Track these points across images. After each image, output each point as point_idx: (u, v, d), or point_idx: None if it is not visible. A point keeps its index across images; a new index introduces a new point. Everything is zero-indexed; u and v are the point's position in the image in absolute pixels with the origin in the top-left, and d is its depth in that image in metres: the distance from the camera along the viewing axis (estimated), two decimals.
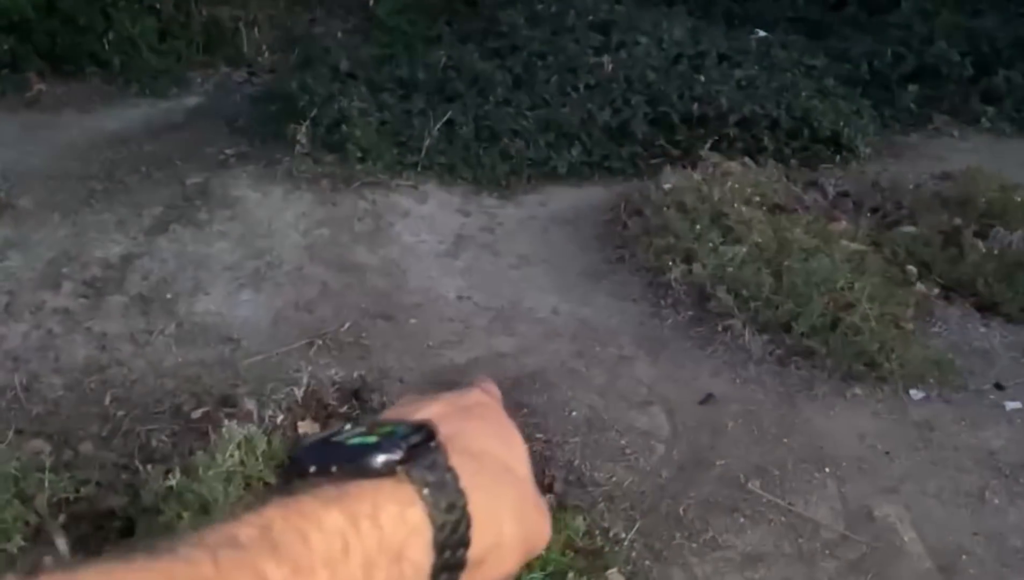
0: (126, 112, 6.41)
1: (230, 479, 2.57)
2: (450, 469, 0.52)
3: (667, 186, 4.48)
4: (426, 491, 0.50)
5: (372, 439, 0.53)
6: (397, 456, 0.51)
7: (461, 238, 4.58)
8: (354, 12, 7.77)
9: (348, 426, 0.56)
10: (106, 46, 6.81)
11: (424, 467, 0.51)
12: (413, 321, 3.78)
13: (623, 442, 3.03)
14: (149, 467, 2.61)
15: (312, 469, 0.52)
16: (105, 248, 4.33)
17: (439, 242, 4.54)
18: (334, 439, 0.55)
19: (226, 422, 2.84)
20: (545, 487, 2.79)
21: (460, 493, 0.51)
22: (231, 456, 2.62)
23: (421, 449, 0.52)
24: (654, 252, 4.09)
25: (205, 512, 2.46)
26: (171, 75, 6.94)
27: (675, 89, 5.41)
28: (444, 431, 0.54)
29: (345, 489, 0.49)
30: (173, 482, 2.50)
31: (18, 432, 2.96)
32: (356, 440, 0.53)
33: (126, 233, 4.51)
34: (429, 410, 0.59)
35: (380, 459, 0.51)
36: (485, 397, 0.68)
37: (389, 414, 0.60)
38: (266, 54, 7.43)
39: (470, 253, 4.43)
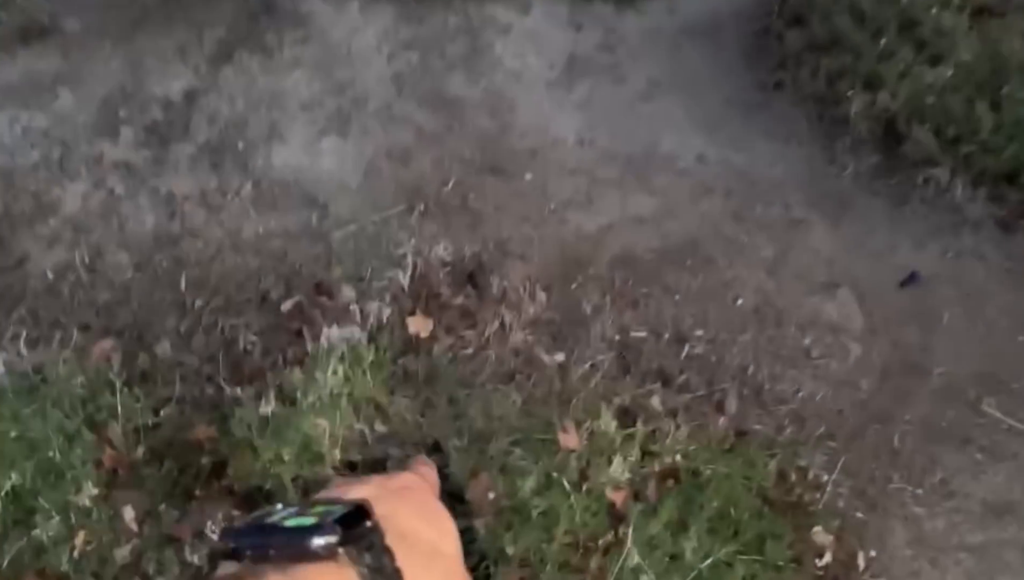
0: None
1: (334, 404, 2.11)
2: (386, 550, 0.55)
3: None
4: (365, 571, 0.52)
5: (308, 520, 0.53)
6: (335, 539, 0.52)
7: (575, 60, 3.79)
8: None
9: (280, 506, 0.56)
10: None
11: (362, 549, 0.53)
12: (528, 176, 3.13)
13: (806, 340, 2.44)
14: (238, 389, 2.15)
15: (249, 552, 0.52)
16: (165, 83, 3.72)
17: (549, 66, 3.76)
18: (269, 521, 0.54)
19: (324, 325, 2.35)
20: (714, 406, 2.25)
21: (396, 573, 0.54)
22: (334, 373, 2.15)
23: (358, 530, 0.54)
24: (824, 75, 3.26)
25: (307, 449, 2.02)
26: None
27: None
28: (378, 512, 0.57)
29: (290, 573, 0.50)
30: (268, 410, 2.05)
31: (84, 329, 2.53)
32: (292, 522, 0.53)
33: (186, 63, 3.87)
34: (361, 491, 0.60)
35: (318, 542, 0.51)
36: (416, 479, 0.67)
37: (322, 494, 0.61)
38: None
39: (587, 80, 3.66)
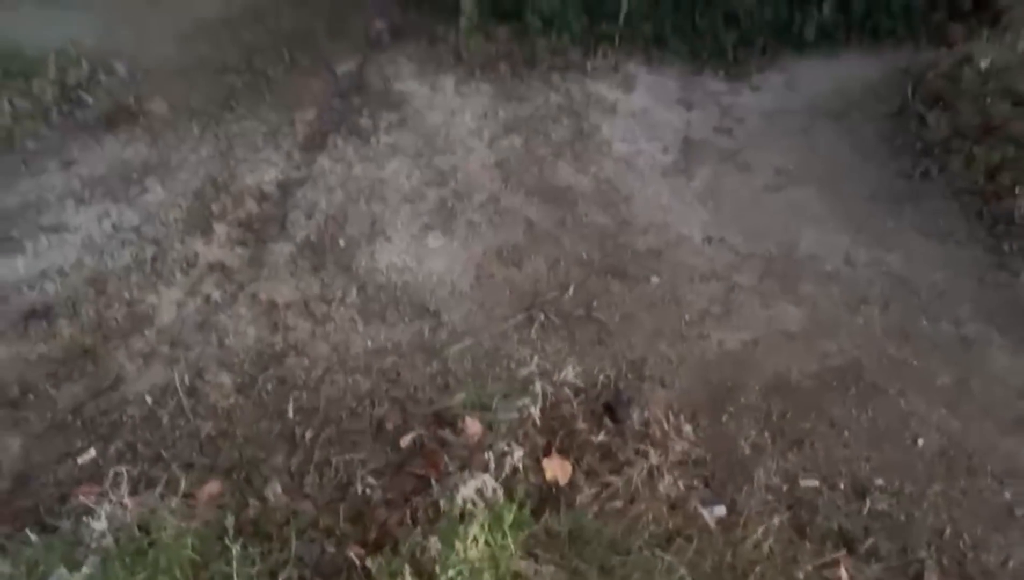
0: None
1: (477, 576, 1.84)
2: None
3: (983, 63, 3.24)
4: None
5: None
6: None
7: (690, 143, 3.53)
8: None
9: None
10: None
11: None
12: (655, 279, 2.86)
13: (1007, 493, 2.11)
14: (368, 559, 1.89)
15: None
16: (257, 172, 3.55)
17: (662, 151, 3.51)
18: None
19: (450, 465, 2.09)
20: (911, 577, 1.93)
21: None
22: (474, 541, 1.88)
23: None
24: (982, 167, 2.95)
25: None
26: None
27: None
28: None
29: None
30: None
31: (187, 467, 2.31)
32: None
33: (278, 148, 3.71)
34: None
35: None
36: None
37: None
38: None
39: (707, 167, 3.39)
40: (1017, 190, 2.79)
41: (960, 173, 3.01)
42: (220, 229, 3.24)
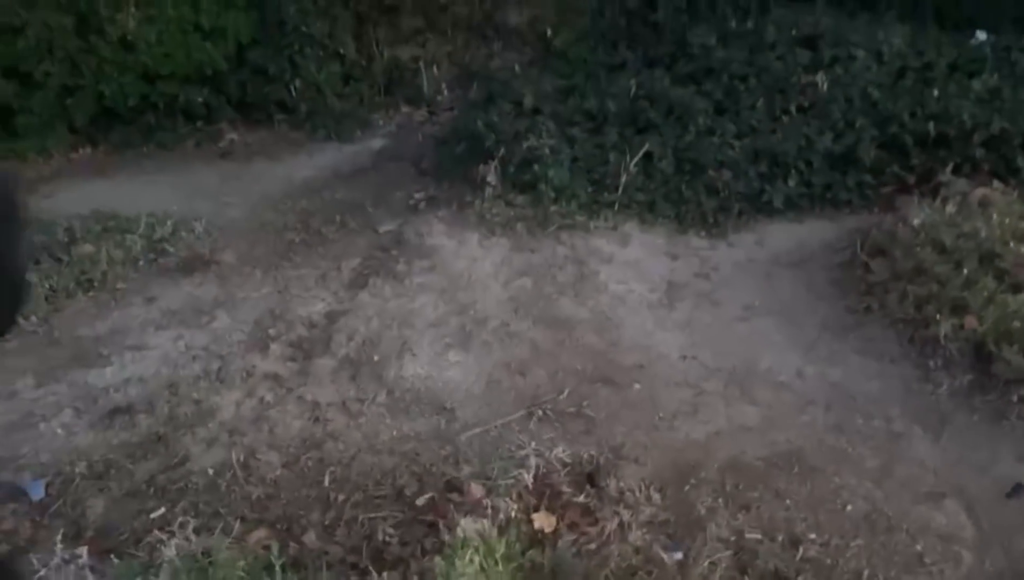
0: (314, 158, 6.46)
1: None
2: None
3: (916, 221, 3.89)
4: None
5: None
6: None
7: (673, 286, 4.17)
8: (530, 43, 7.56)
9: None
10: (293, 93, 6.93)
11: None
12: (637, 386, 3.40)
13: (918, 546, 2.52)
14: (384, 576, 2.35)
15: None
16: (308, 305, 4.23)
17: (650, 290, 4.15)
18: None
19: (456, 516, 2.57)
20: None
21: None
22: (470, 562, 2.33)
23: None
24: (912, 302, 3.52)
25: None
26: (355, 118, 6.99)
27: (905, 107, 4.78)
28: None
29: None
30: None
31: (241, 519, 2.81)
32: None
33: (327, 288, 4.42)
34: None
35: None
36: None
37: None
38: (444, 92, 7.35)
39: (686, 303, 4.01)
40: (939, 317, 3.34)
41: (896, 307, 3.58)
42: (275, 347, 3.87)
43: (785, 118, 5.01)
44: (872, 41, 5.52)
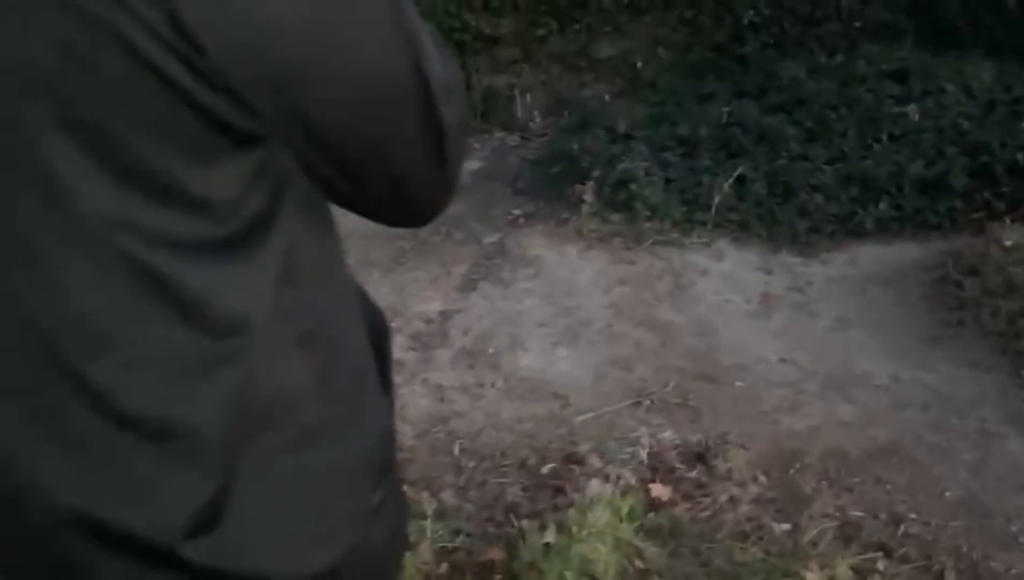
0: None
1: (602, 539, 2.55)
2: None
3: (1008, 242, 4.07)
4: None
5: None
6: None
7: (768, 297, 4.41)
8: (621, 74, 7.92)
9: None
10: None
11: None
12: (739, 383, 3.64)
13: (1013, 528, 2.70)
14: (524, 522, 2.64)
15: None
16: (424, 304, 4.58)
17: (746, 301, 4.39)
18: None
19: (582, 480, 2.85)
20: (934, 577, 2.53)
21: None
22: (600, 516, 2.60)
23: None
24: (1005, 316, 3.70)
25: (585, 572, 2.45)
26: None
27: (996, 138, 4.96)
28: None
29: None
30: (551, 539, 2.51)
31: None
32: None
33: (439, 289, 4.77)
34: None
35: None
36: None
37: None
38: (537, 118, 7.75)
39: (782, 313, 4.24)
40: None
41: (988, 321, 3.76)
42: (398, 339, 4.22)
43: (876, 146, 5.22)
44: (961, 76, 5.70)
